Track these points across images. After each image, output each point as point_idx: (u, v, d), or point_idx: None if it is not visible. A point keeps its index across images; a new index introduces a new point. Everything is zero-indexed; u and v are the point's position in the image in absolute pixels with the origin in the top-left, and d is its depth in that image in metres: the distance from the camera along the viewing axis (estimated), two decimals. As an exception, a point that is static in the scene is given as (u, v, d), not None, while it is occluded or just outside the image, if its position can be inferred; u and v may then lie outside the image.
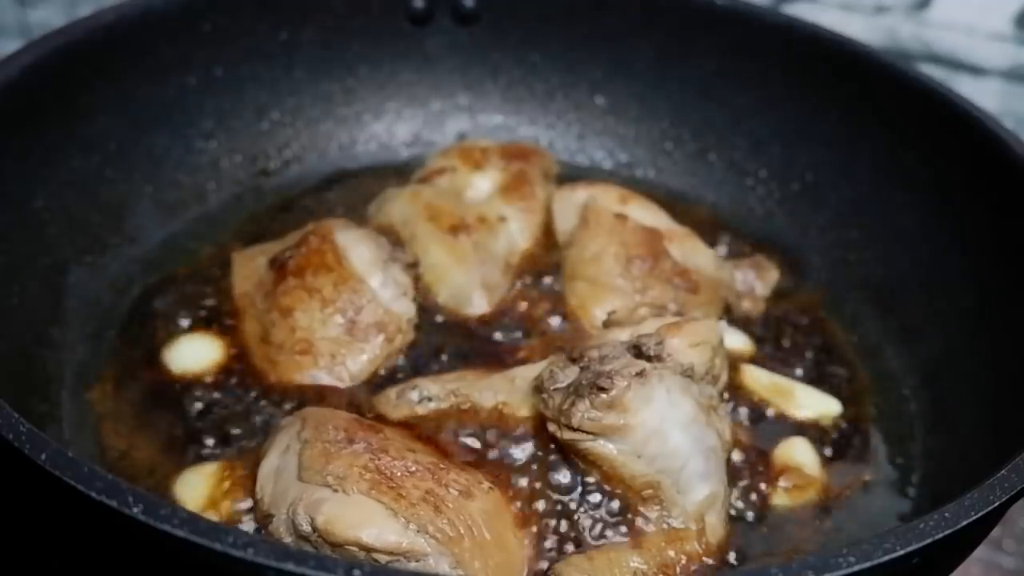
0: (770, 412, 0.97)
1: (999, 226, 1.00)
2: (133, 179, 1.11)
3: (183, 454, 0.88)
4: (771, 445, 0.94)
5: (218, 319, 1.01)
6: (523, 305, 1.05)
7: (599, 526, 0.82)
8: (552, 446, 0.84)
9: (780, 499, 0.90)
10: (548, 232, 1.13)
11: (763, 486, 0.90)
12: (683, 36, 1.25)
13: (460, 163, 1.17)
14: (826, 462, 0.94)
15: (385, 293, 0.99)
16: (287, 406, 0.92)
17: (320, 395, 0.93)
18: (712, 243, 1.13)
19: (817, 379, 1.04)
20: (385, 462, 0.78)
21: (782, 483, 0.91)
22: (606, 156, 1.32)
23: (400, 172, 1.22)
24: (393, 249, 1.03)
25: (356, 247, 1.00)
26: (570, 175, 1.22)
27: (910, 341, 1.06)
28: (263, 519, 0.79)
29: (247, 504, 0.83)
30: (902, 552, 0.61)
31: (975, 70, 1.53)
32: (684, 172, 1.29)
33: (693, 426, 0.82)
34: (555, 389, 0.82)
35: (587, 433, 0.80)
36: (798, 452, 0.94)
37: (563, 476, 0.83)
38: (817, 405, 1.00)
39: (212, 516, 0.81)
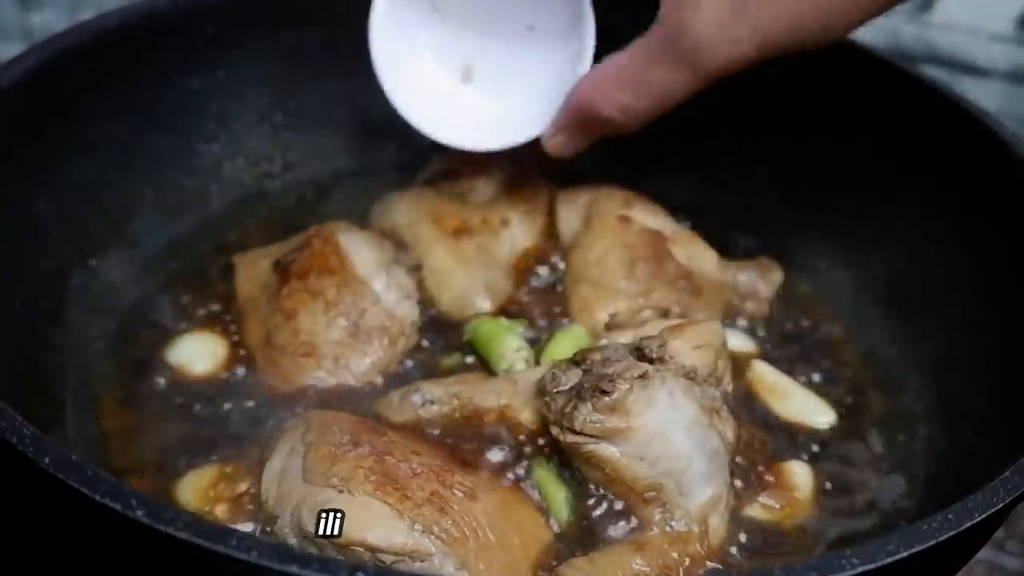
0: (768, 415, 0.98)
1: (1002, 226, 1.00)
2: (135, 182, 1.11)
3: (186, 457, 0.88)
4: (767, 451, 0.94)
5: (221, 322, 1.01)
6: (526, 308, 1.05)
7: (601, 528, 0.82)
8: (555, 448, 0.84)
9: (758, 513, 0.89)
10: (551, 235, 1.13)
11: (750, 496, 0.89)
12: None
13: (463, 166, 1.17)
14: (820, 474, 0.93)
15: (388, 296, 0.99)
16: (290, 409, 0.92)
17: (324, 398, 0.93)
18: (715, 245, 1.13)
19: (820, 381, 1.04)
20: (390, 464, 0.78)
21: (765, 499, 0.90)
22: (609, 158, 1.32)
23: (403, 175, 1.22)
24: (396, 252, 1.04)
25: (359, 250, 1.00)
26: (573, 178, 1.22)
27: (914, 342, 1.06)
28: (267, 521, 0.79)
29: (251, 506, 0.83)
30: (905, 554, 0.61)
31: (977, 71, 1.53)
32: (686, 174, 1.29)
33: (696, 428, 0.82)
34: (557, 392, 0.82)
35: (589, 436, 0.80)
36: (794, 473, 0.93)
37: (566, 478, 0.84)
38: (815, 410, 1.00)
39: (216, 518, 0.82)
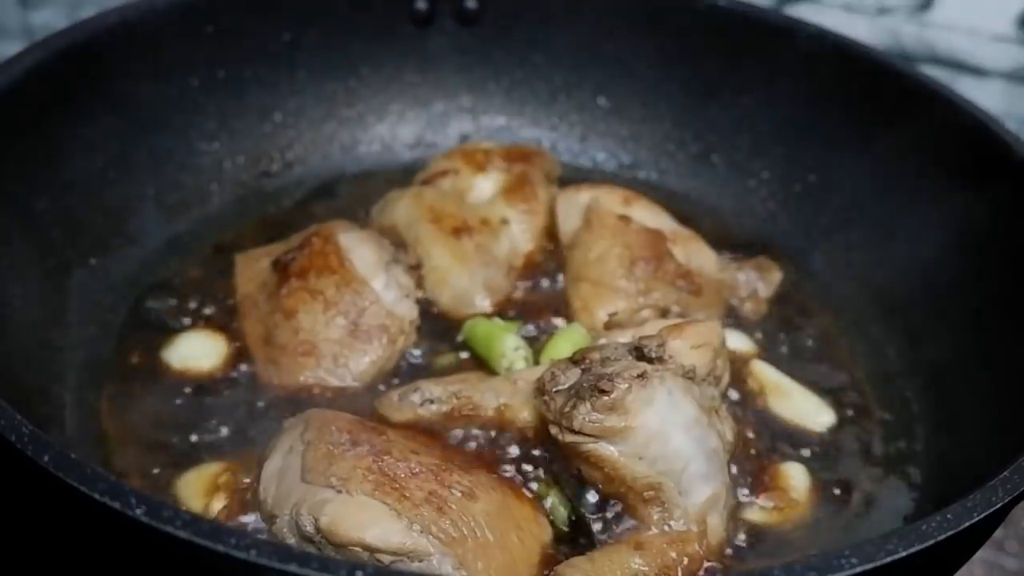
0: (767, 415, 0.98)
1: (1002, 227, 1.00)
2: (136, 180, 1.11)
3: (186, 455, 0.88)
4: (765, 451, 0.94)
5: (221, 321, 1.01)
6: (525, 307, 1.05)
7: (600, 527, 0.82)
8: (554, 448, 0.84)
9: (756, 514, 0.89)
10: (551, 234, 1.13)
11: (747, 497, 0.90)
12: (686, 37, 1.25)
13: (463, 165, 1.17)
14: (818, 475, 0.93)
15: (388, 295, 0.99)
16: (290, 408, 0.92)
17: (323, 397, 0.93)
18: (715, 245, 1.13)
19: (820, 381, 1.04)
20: (388, 463, 0.78)
21: (764, 500, 0.90)
22: (609, 158, 1.32)
23: (403, 174, 1.22)
24: (396, 251, 1.04)
25: (359, 249, 1.00)
26: (573, 177, 1.22)
27: (913, 342, 1.06)
28: (266, 520, 0.79)
29: (250, 505, 0.82)
30: (904, 554, 0.61)
31: (977, 71, 1.53)
32: (687, 174, 1.29)
33: (695, 427, 0.82)
34: (556, 391, 0.82)
35: (588, 435, 0.80)
36: (791, 475, 0.93)
37: (565, 478, 0.84)
38: (814, 411, 1.00)
39: (215, 517, 0.82)
